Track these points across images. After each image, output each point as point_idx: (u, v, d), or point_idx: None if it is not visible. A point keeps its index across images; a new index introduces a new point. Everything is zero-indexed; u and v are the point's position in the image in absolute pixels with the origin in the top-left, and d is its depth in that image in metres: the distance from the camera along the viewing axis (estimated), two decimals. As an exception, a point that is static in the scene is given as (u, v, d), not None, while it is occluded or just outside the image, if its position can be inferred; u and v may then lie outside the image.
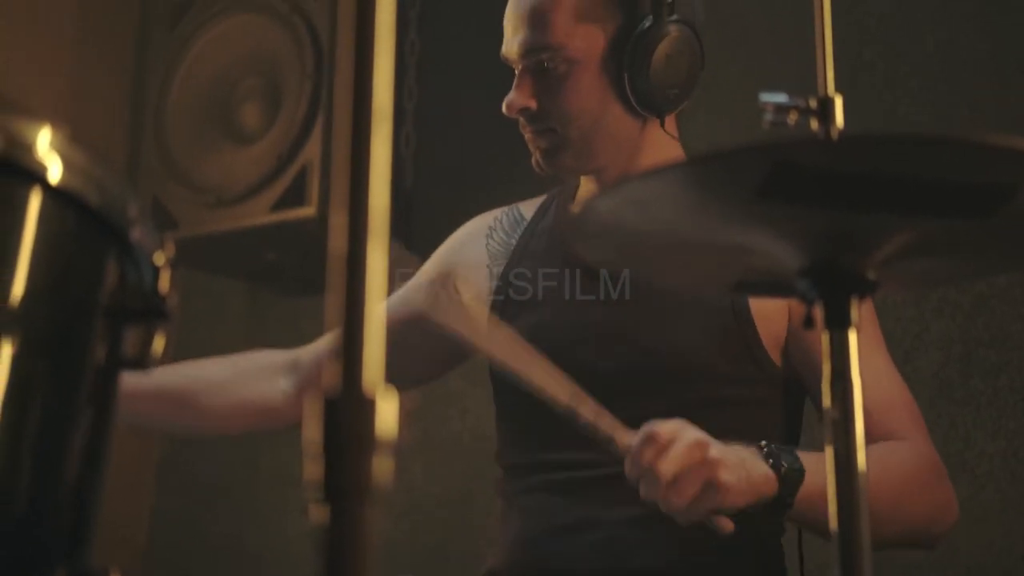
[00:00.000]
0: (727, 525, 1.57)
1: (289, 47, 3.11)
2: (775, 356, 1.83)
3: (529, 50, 1.82)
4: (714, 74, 2.78)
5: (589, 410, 1.62)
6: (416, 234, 3.15)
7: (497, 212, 2.08)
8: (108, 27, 3.57)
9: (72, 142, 0.92)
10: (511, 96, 1.84)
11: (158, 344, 0.98)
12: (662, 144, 1.88)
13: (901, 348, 2.51)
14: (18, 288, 0.90)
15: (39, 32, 3.47)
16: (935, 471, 1.75)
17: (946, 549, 2.41)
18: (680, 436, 1.55)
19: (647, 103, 1.83)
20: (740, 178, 1.03)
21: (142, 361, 0.98)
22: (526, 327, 1.84)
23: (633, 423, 1.61)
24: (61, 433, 0.94)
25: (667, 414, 1.64)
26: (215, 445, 3.37)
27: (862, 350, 1.12)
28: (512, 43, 1.85)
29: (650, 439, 1.55)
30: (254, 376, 2.06)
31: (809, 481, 1.58)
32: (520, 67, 1.85)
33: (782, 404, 1.86)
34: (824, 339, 1.11)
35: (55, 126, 0.92)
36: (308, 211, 2.99)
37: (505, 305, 1.95)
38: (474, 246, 2.05)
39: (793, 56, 2.64)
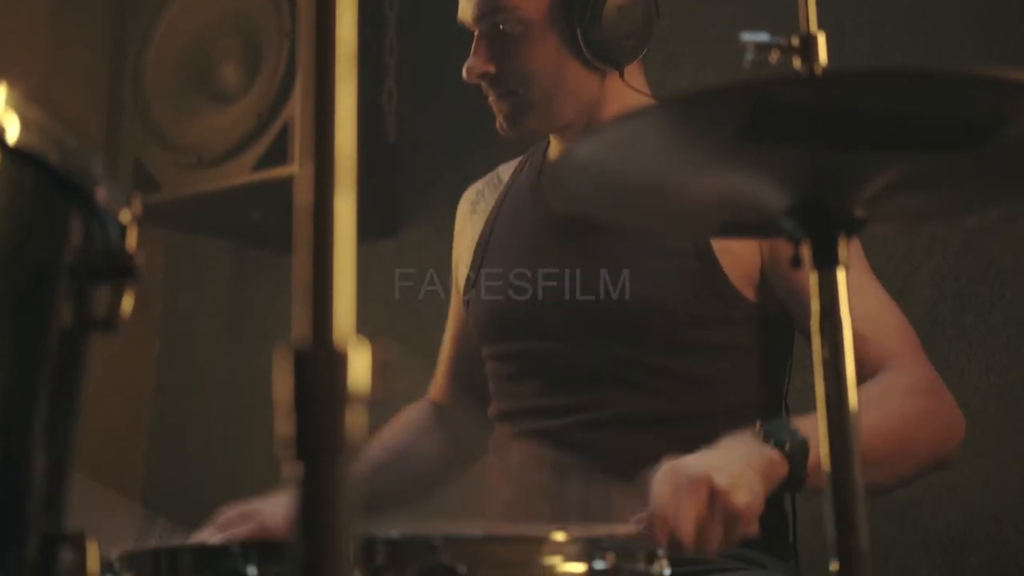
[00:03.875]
0: (754, 531, 1.50)
1: (266, 6, 3.08)
2: (747, 292, 1.81)
3: (483, 14, 1.83)
4: (701, 27, 2.76)
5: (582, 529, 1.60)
6: (400, 190, 3.13)
7: (479, 184, 2.10)
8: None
9: (28, 99, 0.89)
10: (470, 62, 1.85)
11: (126, 304, 0.95)
12: (626, 97, 1.87)
13: (893, 286, 2.47)
14: (-22, 252, 0.88)
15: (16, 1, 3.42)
16: (934, 394, 1.72)
17: (941, 485, 2.41)
18: (678, 495, 1.45)
19: (603, 56, 1.83)
20: (722, 117, 1.00)
21: (110, 322, 0.95)
22: (490, 290, 1.91)
23: (607, 374, 1.61)
24: (28, 397, 0.91)
25: (638, 361, 1.63)
26: (206, 412, 3.36)
27: (850, 280, 1.09)
28: (466, 8, 1.86)
29: (654, 522, 1.46)
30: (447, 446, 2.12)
31: (815, 451, 1.54)
32: (476, 32, 1.85)
33: (762, 346, 1.84)
34: (812, 279, 1.09)
35: (10, 84, 0.89)
36: (291, 169, 2.96)
37: (476, 279, 1.98)
38: (466, 232, 2.08)
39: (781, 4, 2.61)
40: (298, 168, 0.73)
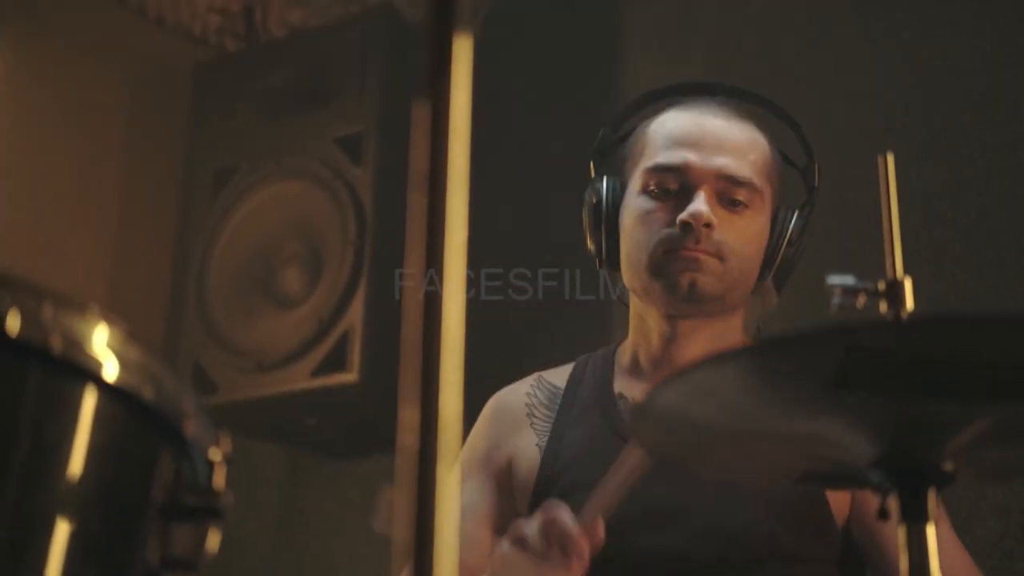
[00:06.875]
0: None
1: (331, 213, 3.12)
2: (839, 528, 1.78)
3: (732, 177, 1.82)
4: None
5: None
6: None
7: (525, 387, 2.01)
8: (151, 194, 3.61)
9: (128, 338, 0.90)
10: (699, 207, 1.79)
11: (211, 543, 0.94)
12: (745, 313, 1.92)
13: (958, 517, 2.43)
14: (71, 488, 0.87)
15: (84, 199, 3.50)
16: None
17: None
18: None
19: (779, 270, 1.87)
20: (811, 364, 1.00)
21: (194, 561, 0.94)
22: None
23: None
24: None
25: None
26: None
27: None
28: (705, 160, 1.83)
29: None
30: None
31: None
32: (703, 185, 1.82)
33: None
34: (901, 533, 1.06)
35: (111, 322, 0.90)
36: (349, 376, 2.97)
37: (549, 483, 1.87)
38: (522, 431, 1.97)
39: (859, 235, 2.62)
40: (402, 438, 0.73)
